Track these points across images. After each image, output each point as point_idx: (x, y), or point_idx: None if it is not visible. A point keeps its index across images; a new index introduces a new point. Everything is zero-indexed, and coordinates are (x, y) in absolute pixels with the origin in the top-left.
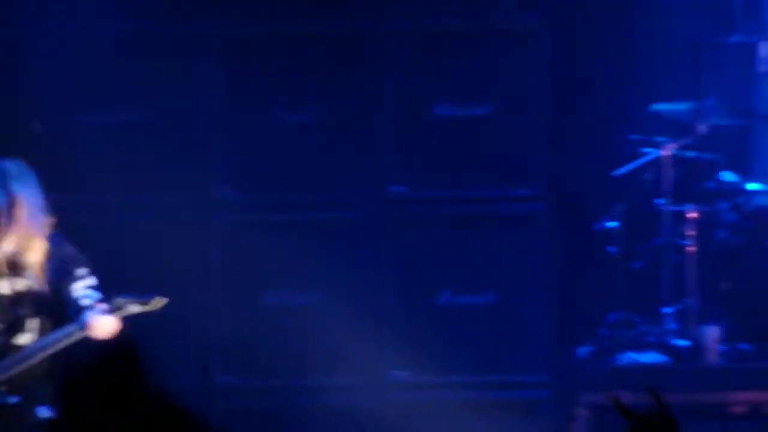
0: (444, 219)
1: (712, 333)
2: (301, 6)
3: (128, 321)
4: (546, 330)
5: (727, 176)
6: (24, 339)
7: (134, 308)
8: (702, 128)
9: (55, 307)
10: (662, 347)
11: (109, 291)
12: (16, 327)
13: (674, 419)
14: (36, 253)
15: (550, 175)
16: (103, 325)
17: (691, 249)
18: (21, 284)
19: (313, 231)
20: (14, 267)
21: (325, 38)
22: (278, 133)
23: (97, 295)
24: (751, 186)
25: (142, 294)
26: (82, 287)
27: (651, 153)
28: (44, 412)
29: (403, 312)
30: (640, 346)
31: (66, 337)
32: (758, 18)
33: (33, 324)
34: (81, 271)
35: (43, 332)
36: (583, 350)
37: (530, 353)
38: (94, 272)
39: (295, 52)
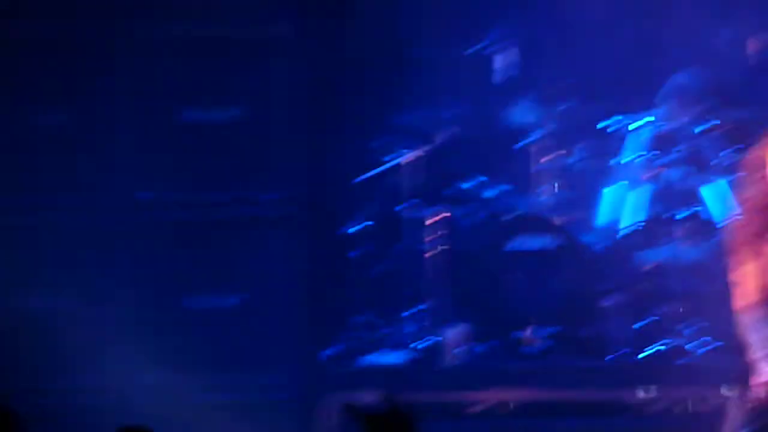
0: (191, 223)
1: (452, 334)
2: (36, 7)
3: None
4: (291, 332)
5: (466, 182)
6: None
7: None
8: (441, 136)
9: None
10: (405, 349)
11: None
12: None
13: (409, 419)
14: None
15: (298, 180)
16: None
17: (433, 253)
18: None
19: (64, 235)
20: None
21: (70, 42)
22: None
23: None
24: (489, 192)
25: None
26: None
27: (394, 159)
28: None
29: (152, 315)
30: (383, 348)
31: None
32: (495, 31)
33: None
34: None
35: None
36: (329, 352)
37: (275, 355)
38: None
39: (36, 54)
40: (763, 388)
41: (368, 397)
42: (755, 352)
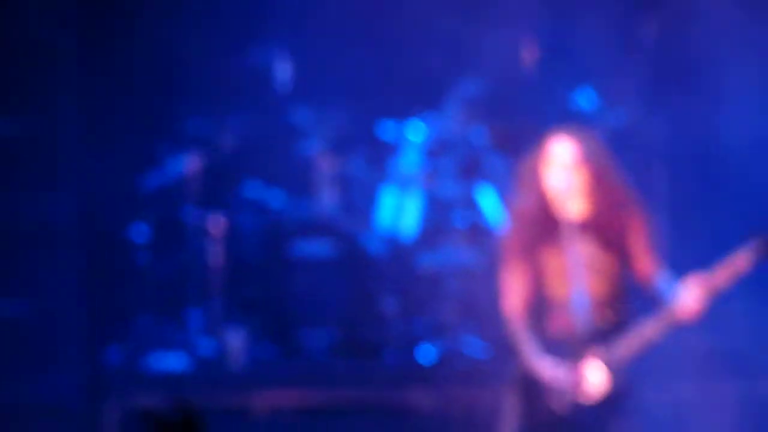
0: None
1: (235, 338)
2: None
3: None
4: (74, 335)
5: (250, 187)
6: None
7: None
8: (227, 142)
9: None
10: (188, 351)
11: None
12: None
13: (199, 423)
14: None
15: (81, 184)
16: None
17: (216, 258)
18: None
19: None
20: None
21: None
22: None
23: None
24: (272, 197)
25: None
26: None
27: (180, 164)
28: None
29: None
30: (167, 351)
31: None
32: (274, 41)
33: None
34: None
35: None
36: (112, 355)
37: (59, 359)
38: None
39: None
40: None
41: (156, 401)
42: (528, 358)
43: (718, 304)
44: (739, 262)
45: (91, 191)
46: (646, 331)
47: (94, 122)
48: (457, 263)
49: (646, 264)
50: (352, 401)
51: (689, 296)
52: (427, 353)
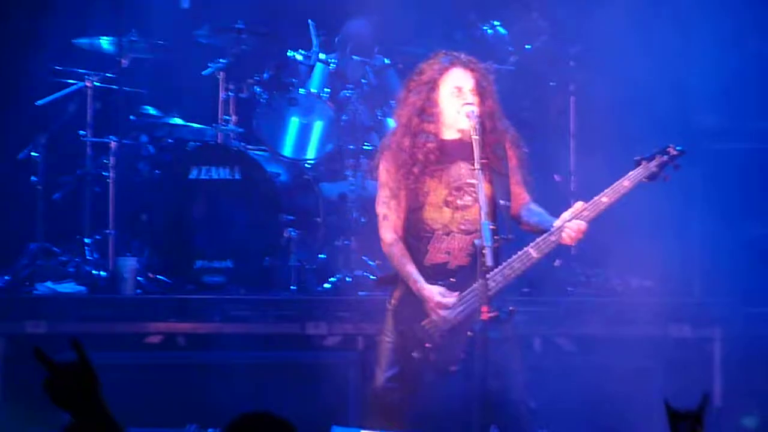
0: None
1: (129, 264)
2: None
3: None
4: None
5: (149, 110)
6: None
7: None
8: (124, 62)
9: None
10: (82, 277)
11: None
12: None
13: (93, 370)
14: None
15: None
16: None
17: (114, 180)
18: None
19: None
20: None
21: None
22: None
23: None
24: (172, 120)
25: None
26: None
27: (74, 84)
28: None
29: None
30: (60, 276)
31: None
32: None
33: None
34: None
35: None
36: (2, 280)
37: None
38: None
39: None
40: (437, 308)
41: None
42: (415, 282)
43: None
44: (621, 185)
45: None
46: (524, 258)
47: None
48: (359, 191)
49: (520, 193)
50: (251, 333)
51: (572, 220)
52: (330, 283)
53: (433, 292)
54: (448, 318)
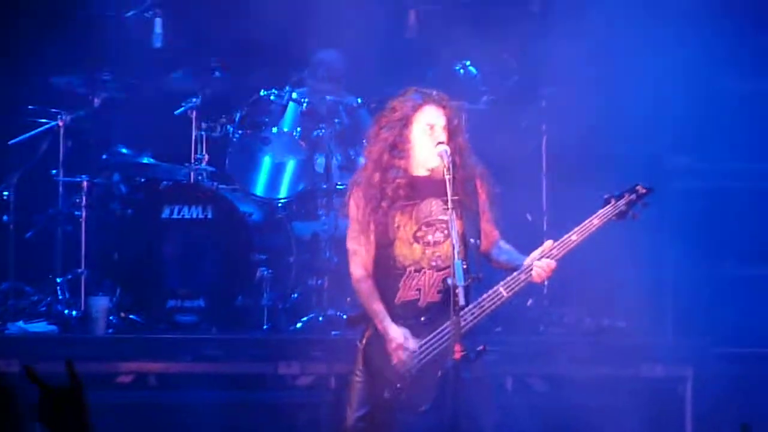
0: None
1: (101, 303)
2: None
3: None
4: None
5: (121, 149)
6: None
7: None
8: (97, 101)
9: None
10: (53, 316)
11: None
12: None
13: (84, 392)
14: None
15: None
16: None
17: (87, 219)
18: None
19: None
20: None
21: None
22: None
23: None
24: (145, 159)
25: None
26: None
27: (46, 123)
28: None
29: None
30: (31, 316)
31: None
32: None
33: None
34: None
35: None
36: None
37: None
38: None
39: None
40: (398, 350)
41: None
42: (381, 321)
43: None
44: (590, 223)
45: None
46: (495, 297)
47: None
48: (332, 230)
49: (491, 231)
50: (221, 373)
51: (542, 258)
52: (301, 323)
53: (397, 334)
54: (407, 362)
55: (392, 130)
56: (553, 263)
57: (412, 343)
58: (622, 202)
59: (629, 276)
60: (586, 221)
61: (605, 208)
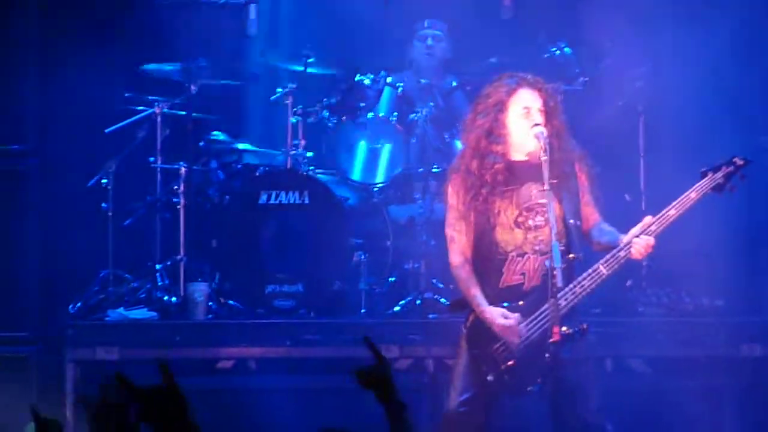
0: None
1: (200, 289)
2: None
3: None
4: (34, 287)
5: (218, 135)
6: None
7: None
8: (193, 88)
9: None
10: (153, 303)
11: None
12: None
13: (182, 394)
14: None
15: (41, 131)
16: None
17: (185, 206)
18: None
19: None
20: None
21: None
22: None
23: None
24: (241, 145)
25: None
26: None
27: (143, 111)
28: None
29: None
30: (131, 303)
31: None
32: None
33: None
34: None
35: None
36: (74, 307)
37: (18, 310)
38: None
39: None
40: (505, 331)
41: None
42: (479, 305)
43: None
44: (688, 197)
45: (54, 138)
46: (595, 275)
47: (57, 66)
48: (428, 214)
49: (591, 213)
50: (324, 357)
51: (641, 235)
52: (400, 306)
53: (495, 315)
54: (515, 342)
55: (488, 116)
56: (651, 240)
57: (513, 320)
58: (720, 174)
59: (727, 255)
60: (684, 195)
61: (702, 181)
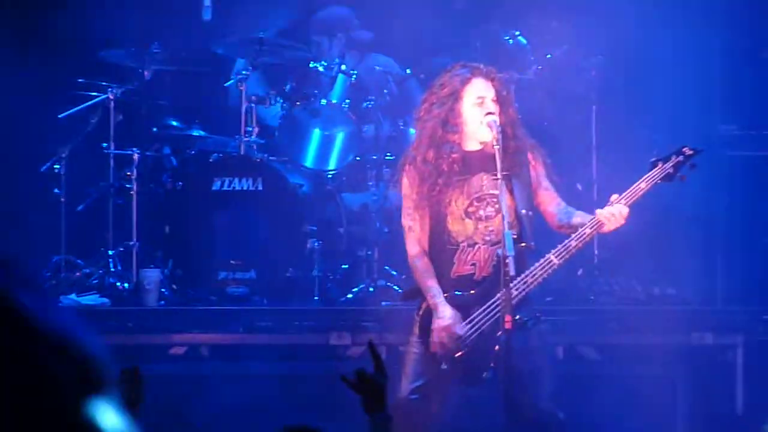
0: None
1: (153, 275)
2: None
3: None
4: None
5: (171, 122)
6: None
7: None
8: (147, 74)
9: None
10: (105, 289)
11: None
12: None
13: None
14: None
15: None
16: None
17: (138, 192)
18: None
19: None
20: None
21: None
22: None
23: None
24: (195, 132)
25: None
26: None
27: (96, 96)
28: None
29: None
30: (84, 288)
31: None
32: None
33: None
34: None
35: None
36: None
37: None
38: None
39: None
40: (442, 331)
41: None
42: (433, 297)
43: None
44: (638, 187)
45: (6, 123)
46: (546, 265)
47: (7, 48)
48: (382, 201)
49: (552, 197)
50: (273, 344)
51: (612, 207)
52: (351, 294)
53: (446, 315)
54: (448, 346)
55: (443, 105)
56: (625, 209)
57: (459, 328)
58: (669, 164)
59: (679, 244)
60: (634, 185)
61: (653, 171)
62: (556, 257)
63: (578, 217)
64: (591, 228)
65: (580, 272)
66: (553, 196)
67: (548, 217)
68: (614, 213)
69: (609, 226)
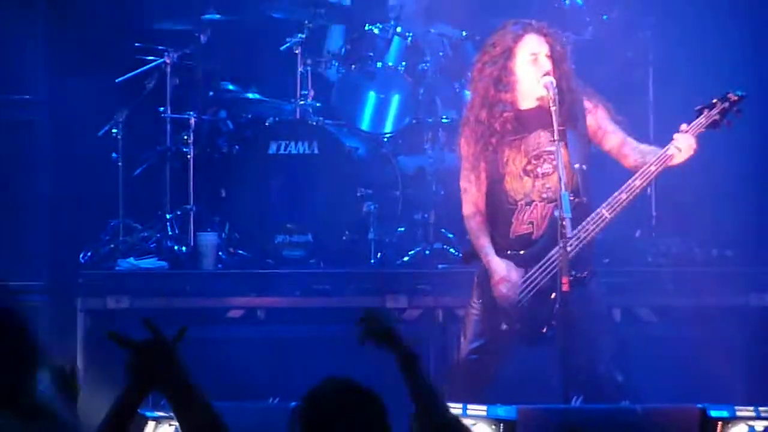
0: None
1: (210, 239)
2: None
3: None
4: (44, 237)
5: (227, 85)
6: None
7: None
8: (203, 38)
9: None
10: (163, 252)
11: None
12: None
13: (169, 345)
14: None
15: (51, 81)
16: None
17: (194, 156)
18: None
19: None
20: None
21: None
22: None
23: None
24: (251, 95)
25: None
26: None
27: (153, 61)
28: None
29: None
30: (141, 252)
31: None
32: None
33: None
34: None
35: None
36: (85, 256)
37: (30, 259)
38: None
39: None
40: (499, 283)
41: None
42: (486, 255)
43: None
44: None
45: (64, 92)
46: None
47: (67, 16)
48: (437, 164)
49: (619, 137)
50: (332, 307)
51: (682, 138)
52: (409, 257)
53: (499, 267)
54: (509, 295)
55: (495, 64)
56: (692, 139)
57: (515, 275)
58: (715, 111)
59: (737, 205)
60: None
61: (698, 119)
62: (607, 211)
63: (651, 154)
64: (656, 165)
65: (637, 233)
66: (621, 136)
67: (621, 159)
68: (683, 144)
69: (678, 159)
